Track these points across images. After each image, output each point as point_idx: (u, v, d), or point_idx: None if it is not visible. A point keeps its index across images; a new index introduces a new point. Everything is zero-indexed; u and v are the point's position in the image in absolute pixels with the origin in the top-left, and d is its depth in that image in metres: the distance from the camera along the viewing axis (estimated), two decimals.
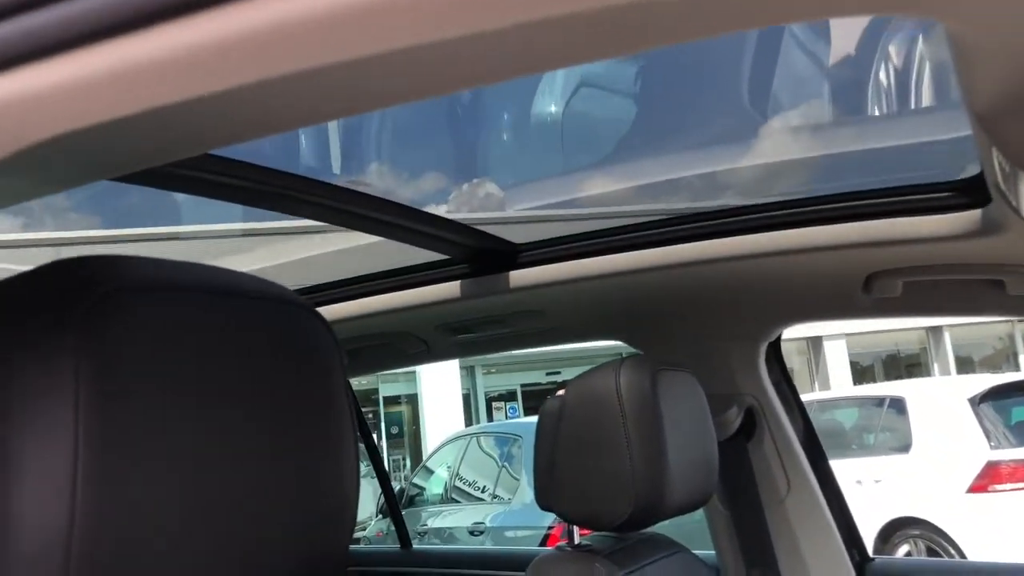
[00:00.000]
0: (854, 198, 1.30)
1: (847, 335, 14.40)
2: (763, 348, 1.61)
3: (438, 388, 13.70)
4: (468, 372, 14.86)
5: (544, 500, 1.33)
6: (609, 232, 1.48)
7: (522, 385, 14.95)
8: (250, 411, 0.60)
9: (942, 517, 5.30)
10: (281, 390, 0.62)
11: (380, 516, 6.29)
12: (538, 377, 14.70)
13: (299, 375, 0.64)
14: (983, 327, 15.05)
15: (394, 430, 14.66)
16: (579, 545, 1.30)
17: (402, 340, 1.80)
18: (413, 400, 14.79)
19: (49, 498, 0.50)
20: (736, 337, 1.59)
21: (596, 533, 1.38)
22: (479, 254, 1.54)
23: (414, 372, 14.25)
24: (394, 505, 2.42)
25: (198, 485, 0.56)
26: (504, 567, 2.04)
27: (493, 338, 1.77)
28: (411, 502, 6.47)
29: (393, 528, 2.37)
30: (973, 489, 5.18)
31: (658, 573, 1.34)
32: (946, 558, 5.12)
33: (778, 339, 1.65)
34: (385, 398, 14.80)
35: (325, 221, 1.30)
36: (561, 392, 1.30)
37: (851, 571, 1.60)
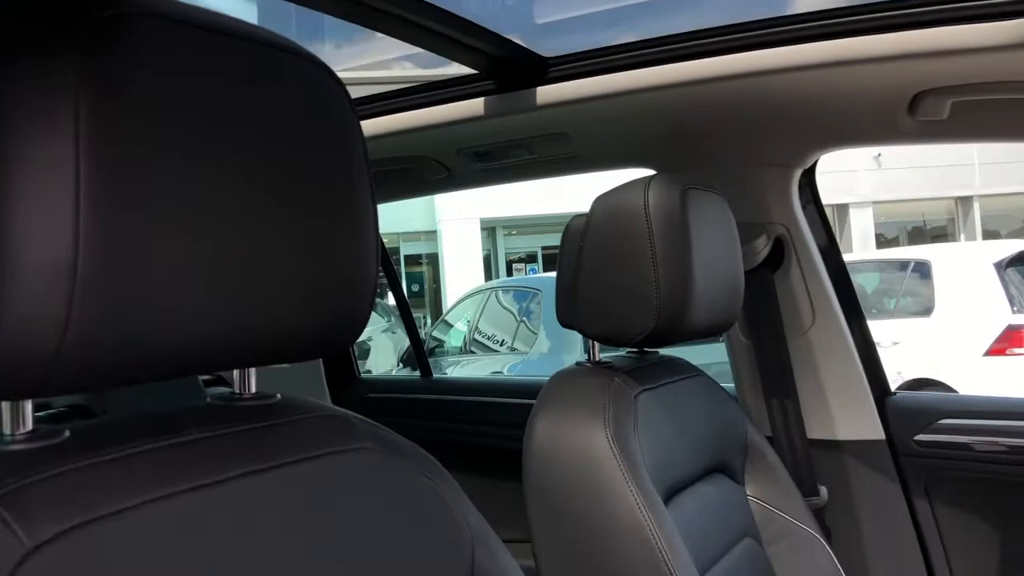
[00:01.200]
0: (901, 6, 1.21)
1: (874, 203, 14.20)
2: (797, 175, 1.55)
3: (459, 248, 13.76)
4: (489, 233, 14.89)
5: (565, 318, 1.31)
6: (641, 44, 1.40)
7: (543, 247, 14.98)
8: (259, 161, 0.56)
9: (957, 379, 5.33)
10: (295, 147, 0.59)
11: (401, 366, 6.43)
12: (559, 240, 14.67)
13: (314, 134, 0.60)
14: (1013, 199, 14.77)
15: (415, 288, 14.83)
16: (599, 362, 1.29)
17: (423, 165, 1.75)
18: (434, 260, 14.89)
19: (51, 225, 0.47)
20: (769, 163, 1.53)
21: (616, 354, 1.37)
22: (506, 66, 1.47)
23: (435, 232, 14.29)
24: (414, 334, 2.43)
25: (203, 229, 0.53)
26: (522, 395, 2.05)
27: (517, 165, 1.72)
28: (430, 354, 6.58)
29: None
30: (991, 352, 5.19)
31: (677, 393, 1.34)
32: None
33: (813, 167, 1.59)
34: (406, 257, 14.91)
35: (340, 16, 1.23)
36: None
37: (872, 404, 1.59)
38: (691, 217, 1.18)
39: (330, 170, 0.62)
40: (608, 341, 1.25)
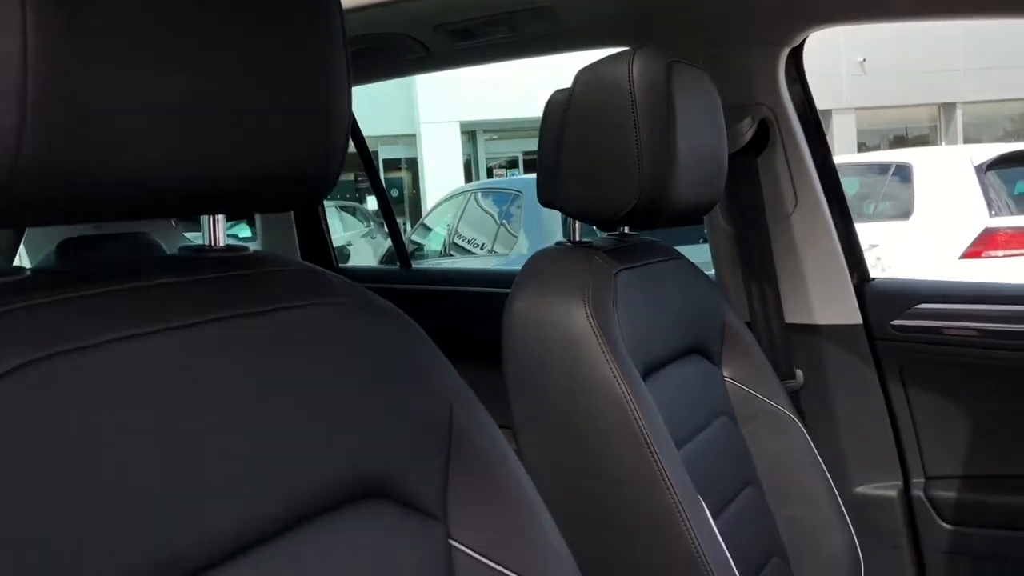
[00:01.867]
0: None
1: (857, 109, 14.10)
2: (784, 55, 1.51)
3: (439, 153, 13.59)
4: (470, 138, 14.70)
5: (546, 197, 1.29)
6: None
7: (524, 152, 14.83)
8: (234, 12, 0.53)
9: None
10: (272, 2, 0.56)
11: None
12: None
13: None
14: (997, 106, 14.72)
15: (394, 193, 14.70)
16: (579, 241, 1.27)
17: (400, 44, 1.69)
18: (413, 165, 14.72)
19: None
20: (756, 40, 1.48)
21: (597, 237, 1.35)
22: None
23: (414, 136, 14.08)
24: (393, 224, 2.40)
25: (172, 67, 0.50)
26: (504, 284, 2.04)
27: (496, 43, 1.66)
28: (410, 258, 6.56)
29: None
30: (967, 255, 5.23)
31: (657, 273, 1.33)
32: None
33: (801, 47, 1.55)
34: (385, 161, 14.73)
35: None
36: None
37: (850, 289, 1.60)
38: (676, 91, 1.15)
39: (306, 30, 0.58)
40: (590, 220, 1.23)
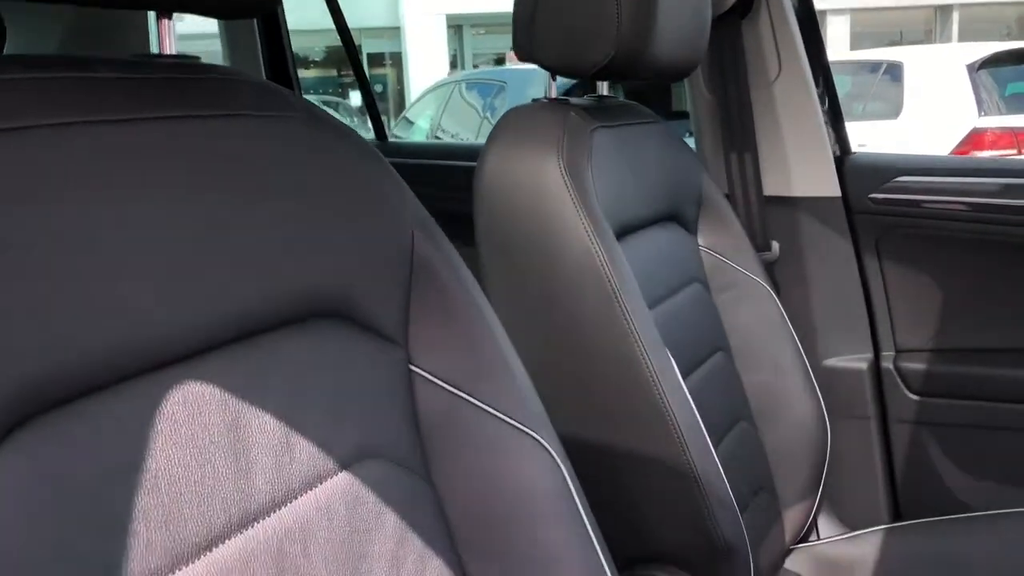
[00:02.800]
0: None
1: (852, 10, 13.81)
2: None
3: (424, 48, 13.28)
4: (456, 32, 14.33)
5: (522, 49, 1.25)
6: None
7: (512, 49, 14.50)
8: None
9: None
10: None
11: None
12: None
13: None
14: (995, 8, 14.44)
15: (378, 88, 14.42)
16: (556, 98, 1.24)
17: None
18: (398, 60, 14.39)
19: None
20: None
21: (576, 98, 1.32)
22: None
23: (398, 30, 13.72)
24: (370, 100, 2.35)
25: None
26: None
27: None
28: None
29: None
30: (954, 154, 5.20)
31: (635, 135, 1.30)
32: None
33: None
34: (369, 56, 14.38)
35: None
36: None
37: (831, 161, 1.58)
38: None
39: None
40: (567, 72, 1.19)
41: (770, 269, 1.57)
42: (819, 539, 1.49)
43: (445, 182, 2.02)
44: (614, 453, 1.08)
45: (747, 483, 1.31)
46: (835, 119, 1.60)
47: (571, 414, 1.07)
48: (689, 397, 1.11)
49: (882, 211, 1.54)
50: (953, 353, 1.53)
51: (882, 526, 1.48)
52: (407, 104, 13.11)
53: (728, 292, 1.42)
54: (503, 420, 0.74)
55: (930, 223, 1.52)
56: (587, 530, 0.75)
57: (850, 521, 1.54)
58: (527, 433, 0.74)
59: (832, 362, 1.60)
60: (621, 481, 1.09)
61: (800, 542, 1.46)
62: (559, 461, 0.75)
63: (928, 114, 5.51)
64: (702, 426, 1.11)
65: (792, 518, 1.41)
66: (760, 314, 1.42)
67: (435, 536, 0.69)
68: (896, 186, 1.53)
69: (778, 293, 1.46)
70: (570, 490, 0.75)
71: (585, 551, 0.74)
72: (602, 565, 0.74)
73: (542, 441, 0.75)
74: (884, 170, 1.56)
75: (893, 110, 5.73)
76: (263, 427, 0.59)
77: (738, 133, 1.56)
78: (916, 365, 1.54)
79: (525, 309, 1.12)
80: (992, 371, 1.49)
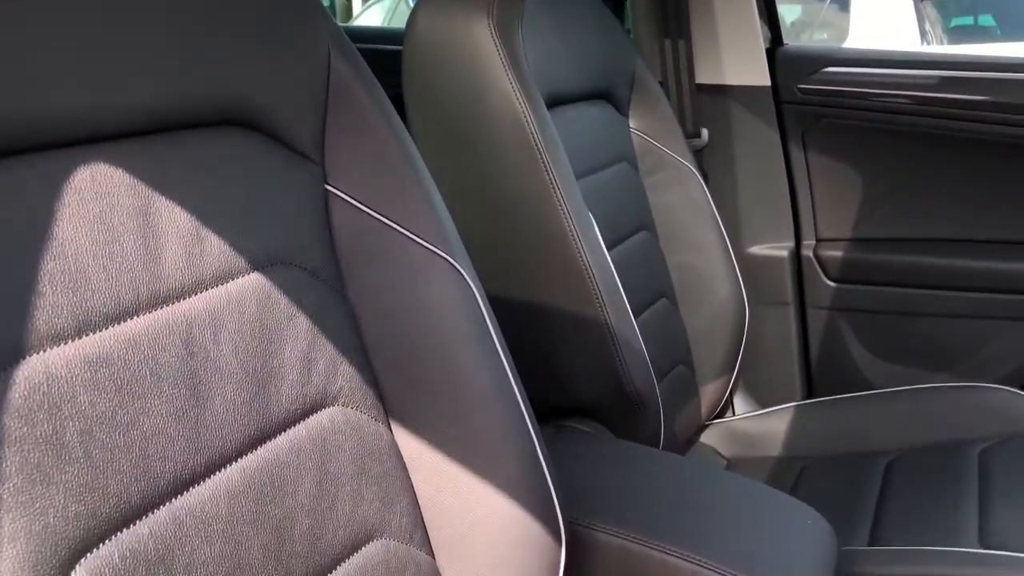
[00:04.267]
0: None
1: None
2: None
3: None
4: None
5: None
6: None
7: None
8: None
9: None
10: None
11: None
12: None
13: None
14: None
15: (325, 2, 14.02)
16: None
17: None
18: None
19: None
20: None
21: None
22: None
23: None
24: None
25: None
26: None
27: None
28: None
29: None
30: None
31: (570, 7, 1.31)
32: None
33: None
34: None
35: None
36: None
37: (762, 51, 1.60)
38: None
39: None
40: None
41: (699, 156, 1.60)
42: (734, 416, 1.56)
43: (380, 67, 2.00)
44: (534, 307, 1.11)
45: (666, 356, 1.36)
46: (768, 9, 1.62)
47: (493, 268, 1.09)
48: (610, 261, 1.14)
49: (810, 101, 1.58)
50: (871, 242, 1.59)
51: (793, 403, 1.56)
52: (353, 16, 12.78)
53: (656, 175, 1.45)
54: (418, 243, 0.75)
55: (854, 114, 1.56)
56: (500, 358, 0.77)
57: (765, 400, 1.61)
58: (442, 257, 0.76)
59: (755, 249, 1.65)
60: (540, 334, 1.12)
61: (716, 418, 1.53)
62: (474, 288, 0.78)
63: (872, 43, 5.55)
64: (621, 289, 1.14)
65: (708, 394, 1.47)
66: (686, 198, 1.46)
67: (348, 346, 0.71)
68: (824, 77, 1.57)
69: (706, 180, 1.49)
70: (484, 316, 0.78)
71: (497, 375, 0.77)
72: (515, 393, 0.77)
73: (457, 266, 0.77)
74: (814, 60, 1.59)
75: (839, 37, 5.76)
76: (173, 218, 0.60)
77: (673, 20, 1.57)
78: (835, 253, 1.60)
79: (452, 168, 1.13)
80: (906, 259, 1.55)
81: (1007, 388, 1.38)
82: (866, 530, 1.12)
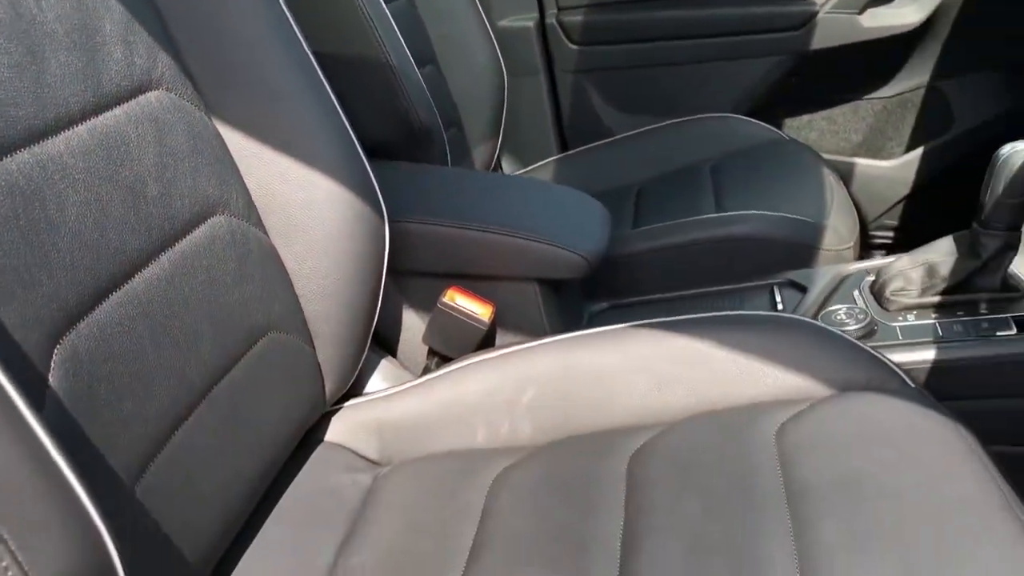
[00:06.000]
0: None
1: None
2: None
3: None
4: None
5: None
6: None
7: None
8: None
9: None
10: None
11: None
12: None
13: None
14: None
15: None
16: None
17: None
18: None
19: None
20: None
21: None
22: None
23: None
24: None
25: None
26: None
27: None
28: None
29: None
30: None
31: None
32: None
33: None
34: None
35: None
36: None
37: None
38: None
39: None
40: None
41: None
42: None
43: None
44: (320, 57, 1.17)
45: (442, 119, 1.46)
46: None
47: None
48: (391, 18, 1.21)
49: None
50: (604, 6, 1.74)
51: (551, 158, 1.73)
52: None
53: None
54: None
55: None
56: (308, 59, 0.85)
57: (528, 159, 1.77)
58: None
59: (505, 23, 1.76)
60: (331, 83, 1.18)
61: None
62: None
63: None
64: (400, 37, 1.22)
65: (479, 156, 1.60)
66: None
67: (160, 37, 0.75)
68: None
69: None
70: (288, 21, 0.84)
71: (306, 72, 0.85)
72: (325, 89, 0.85)
73: None
74: None
75: None
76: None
77: None
78: (575, 19, 1.75)
79: None
80: (634, 16, 1.72)
81: (727, 115, 1.62)
82: (629, 224, 1.32)
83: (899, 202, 1.69)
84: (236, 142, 0.81)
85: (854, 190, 1.66)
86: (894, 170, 1.69)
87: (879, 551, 0.60)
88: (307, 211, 0.84)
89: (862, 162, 1.70)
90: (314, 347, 0.87)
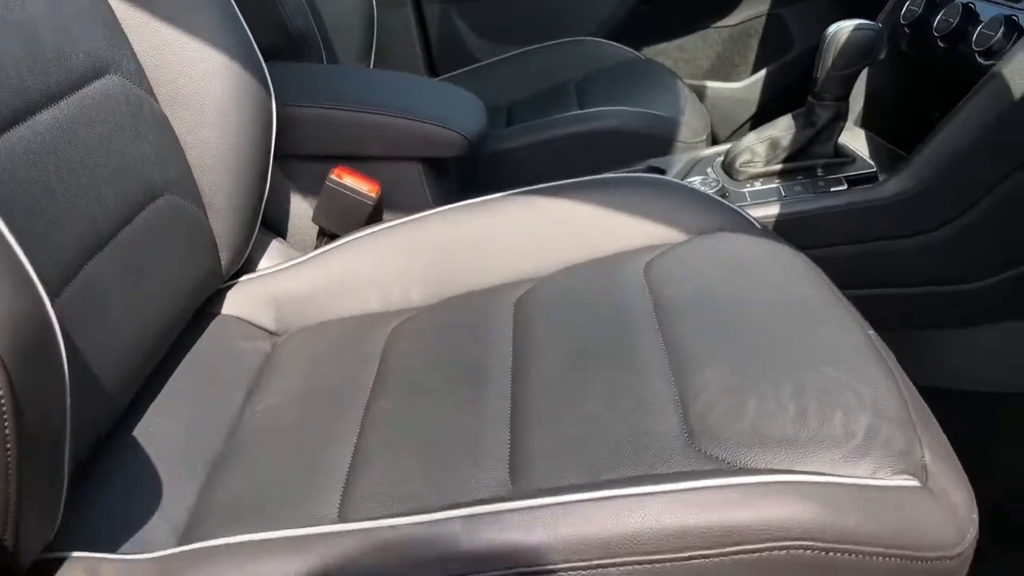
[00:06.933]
0: None
1: None
2: None
3: None
4: None
5: None
6: None
7: None
8: None
9: None
10: None
11: None
12: None
13: None
14: None
15: None
16: None
17: None
18: None
19: None
20: None
21: None
22: None
23: None
24: None
25: None
26: None
27: None
28: None
29: None
30: None
31: None
32: None
33: None
34: None
35: None
36: None
37: None
38: None
39: None
40: None
41: None
42: None
43: None
44: None
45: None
46: None
47: None
48: None
49: None
50: None
51: None
52: None
53: None
54: None
55: None
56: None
57: None
58: None
59: None
60: None
61: None
62: None
63: None
64: None
65: None
66: None
67: None
68: None
69: None
70: None
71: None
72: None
73: None
74: None
75: None
76: None
77: None
78: None
79: None
80: None
81: (591, 38, 1.72)
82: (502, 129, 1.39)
83: (747, 120, 1.83)
84: (124, 11, 0.83)
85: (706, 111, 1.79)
86: (742, 91, 1.82)
87: (733, 341, 0.70)
88: (195, 82, 0.87)
89: (712, 84, 1.83)
90: (207, 217, 0.90)
